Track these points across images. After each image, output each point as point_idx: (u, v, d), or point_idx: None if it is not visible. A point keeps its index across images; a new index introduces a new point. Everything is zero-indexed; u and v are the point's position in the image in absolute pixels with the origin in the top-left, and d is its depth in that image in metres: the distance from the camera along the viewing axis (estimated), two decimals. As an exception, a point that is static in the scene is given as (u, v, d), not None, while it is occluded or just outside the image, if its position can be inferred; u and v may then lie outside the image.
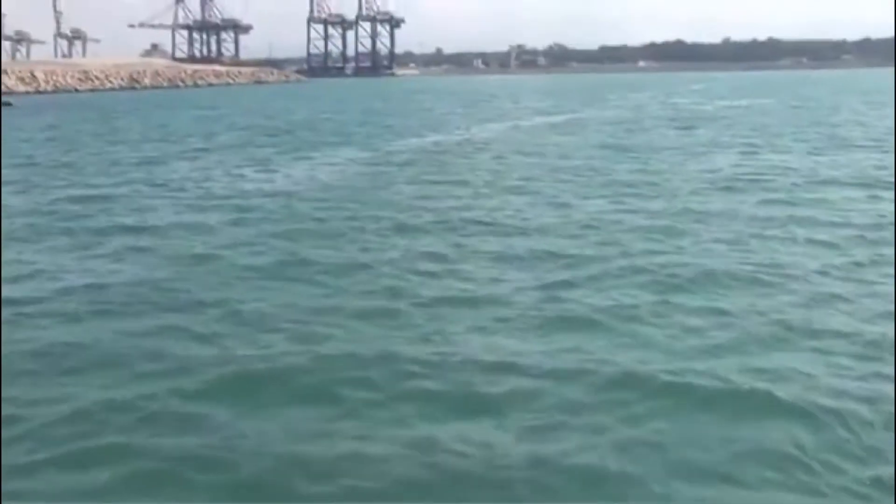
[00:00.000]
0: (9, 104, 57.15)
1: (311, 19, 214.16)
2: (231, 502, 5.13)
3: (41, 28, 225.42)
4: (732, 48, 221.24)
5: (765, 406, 6.21)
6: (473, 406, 6.35)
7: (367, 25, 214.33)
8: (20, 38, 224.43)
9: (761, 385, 6.55)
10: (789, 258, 10.90)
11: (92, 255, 11.88)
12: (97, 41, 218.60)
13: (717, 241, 12.03)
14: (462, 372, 7.00)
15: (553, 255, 11.26)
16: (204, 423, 6.08)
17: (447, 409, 6.30)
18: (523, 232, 12.98)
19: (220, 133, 35.21)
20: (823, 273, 10.17)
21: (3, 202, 15.95)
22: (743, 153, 24.37)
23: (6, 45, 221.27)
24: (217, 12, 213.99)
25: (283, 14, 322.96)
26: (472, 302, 9.11)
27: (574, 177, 19.57)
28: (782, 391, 6.43)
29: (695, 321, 8.33)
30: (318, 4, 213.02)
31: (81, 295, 9.52)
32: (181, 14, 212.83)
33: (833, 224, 13.17)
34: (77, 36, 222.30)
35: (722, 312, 8.58)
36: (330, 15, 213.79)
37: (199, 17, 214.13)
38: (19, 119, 45.33)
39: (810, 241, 11.92)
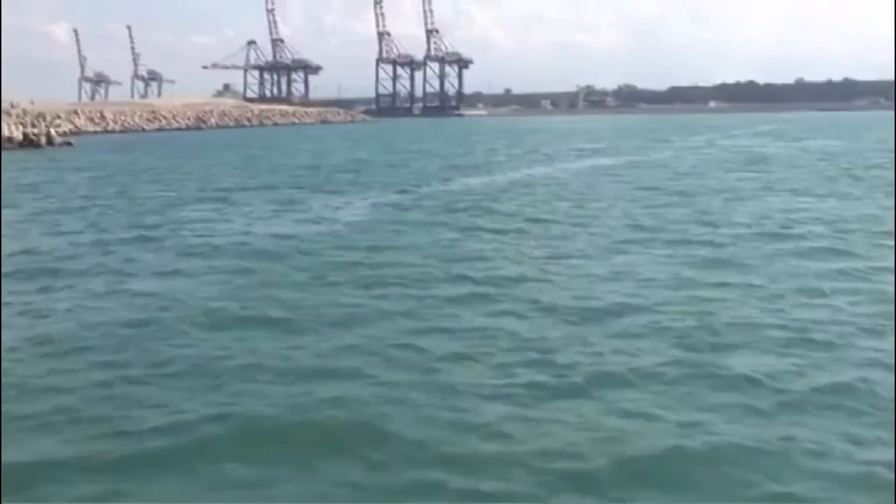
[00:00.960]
0: (69, 143, 57.81)
1: (379, 60, 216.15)
2: None
3: (120, 70, 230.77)
4: (806, 89, 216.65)
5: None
6: None
7: (435, 66, 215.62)
8: (100, 80, 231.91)
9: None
10: None
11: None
12: (172, 82, 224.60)
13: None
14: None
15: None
16: None
17: None
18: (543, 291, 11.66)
19: (257, 174, 34.49)
20: None
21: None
22: (792, 197, 22.75)
23: (86, 86, 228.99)
24: (288, 53, 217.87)
25: (352, 55, 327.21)
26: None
27: (610, 223, 18.15)
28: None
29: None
30: (386, 45, 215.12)
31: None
32: (253, 55, 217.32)
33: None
34: (153, 77, 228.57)
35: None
36: (399, 56, 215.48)
37: (270, 58, 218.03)
38: (67, 158, 45.60)
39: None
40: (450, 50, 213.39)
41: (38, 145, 54.25)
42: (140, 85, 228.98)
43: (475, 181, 30.28)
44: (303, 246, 15.53)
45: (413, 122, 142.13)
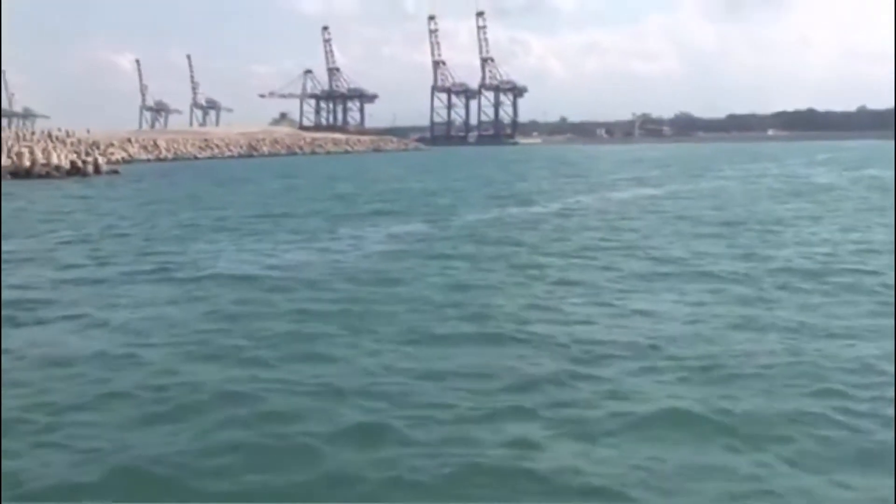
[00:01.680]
0: (115, 172, 58.24)
1: (435, 88, 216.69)
2: None
3: (181, 99, 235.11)
4: (868, 116, 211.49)
5: None
6: None
7: (490, 94, 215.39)
8: (159, 109, 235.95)
9: None
10: None
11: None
12: (230, 110, 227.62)
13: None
14: None
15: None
16: None
17: None
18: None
19: (287, 203, 34.00)
20: None
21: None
22: (837, 231, 21.48)
23: (147, 114, 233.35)
24: (344, 82, 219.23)
25: (408, 83, 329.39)
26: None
27: (637, 254, 17.10)
28: None
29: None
30: (441, 74, 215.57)
31: None
32: (309, 84, 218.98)
33: None
34: (211, 106, 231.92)
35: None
36: (454, 84, 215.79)
37: (326, 86, 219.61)
38: (108, 186, 45.76)
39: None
40: (505, 78, 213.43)
41: (84, 173, 54.61)
42: (199, 113, 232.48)
43: (513, 210, 29.48)
44: (282, 282, 14.69)
45: (465, 151, 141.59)
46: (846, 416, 7.48)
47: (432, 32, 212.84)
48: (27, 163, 52.64)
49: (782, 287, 13.61)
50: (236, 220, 26.51)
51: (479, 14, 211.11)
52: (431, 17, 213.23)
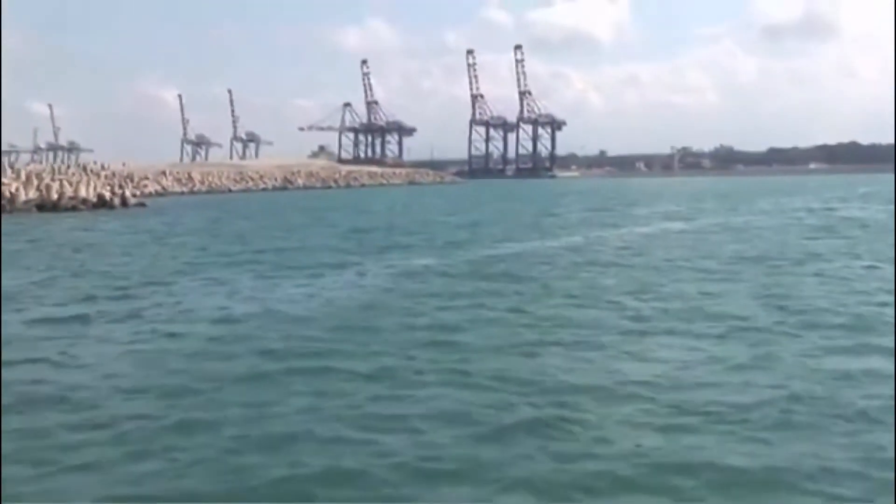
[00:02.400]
0: (142, 205, 58.32)
1: (473, 121, 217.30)
2: None
3: (221, 132, 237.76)
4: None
5: None
6: None
7: (528, 128, 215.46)
8: (200, 142, 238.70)
9: None
10: None
11: None
12: (270, 143, 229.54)
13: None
14: None
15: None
16: None
17: None
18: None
19: (302, 237, 33.38)
20: None
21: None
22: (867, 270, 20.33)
23: (188, 147, 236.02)
24: (382, 115, 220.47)
25: (447, 116, 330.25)
26: None
27: (643, 296, 16.10)
28: None
29: None
30: (480, 107, 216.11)
31: None
32: (348, 117, 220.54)
33: None
34: (251, 139, 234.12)
35: None
36: (492, 117, 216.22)
37: (365, 120, 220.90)
38: (129, 219, 45.57)
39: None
40: (543, 112, 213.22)
41: (111, 206, 54.69)
42: (238, 146, 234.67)
43: (530, 244, 28.70)
44: (240, 330, 13.58)
45: (501, 184, 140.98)
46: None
47: (471, 66, 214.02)
48: (55, 195, 52.87)
49: (785, 332, 12.60)
50: (237, 256, 25.73)
51: (517, 47, 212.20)
52: (470, 51, 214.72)
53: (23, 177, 57.35)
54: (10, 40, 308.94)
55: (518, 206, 60.03)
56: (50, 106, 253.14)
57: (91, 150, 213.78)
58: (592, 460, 7.31)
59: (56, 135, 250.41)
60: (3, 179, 53.76)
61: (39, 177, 58.63)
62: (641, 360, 11.00)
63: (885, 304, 14.86)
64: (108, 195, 56.09)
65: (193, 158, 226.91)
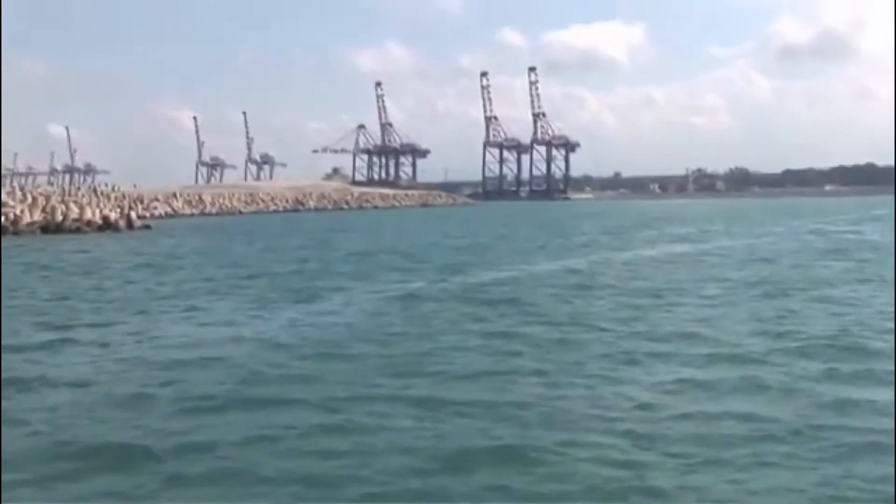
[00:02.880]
0: (147, 227, 58.02)
1: (486, 143, 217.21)
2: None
3: (236, 154, 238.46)
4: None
5: None
6: None
7: (542, 149, 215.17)
8: (215, 164, 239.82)
9: None
10: None
11: None
12: (284, 165, 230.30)
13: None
14: None
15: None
16: None
17: None
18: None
19: (296, 262, 32.89)
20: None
21: None
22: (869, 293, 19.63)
23: (203, 169, 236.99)
24: (396, 137, 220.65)
25: (461, 138, 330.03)
26: None
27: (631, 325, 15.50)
28: None
29: None
30: (493, 129, 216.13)
31: None
32: (362, 139, 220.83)
33: None
34: (266, 161, 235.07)
35: None
36: (505, 139, 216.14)
37: (379, 142, 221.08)
38: (131, 241, 45.31)
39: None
40: (558, 133, 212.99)
41: (116, 228, 54.39)
42: (253, 168, 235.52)
43: (531, 268, 28.31)
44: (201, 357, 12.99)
45: (513, 206, 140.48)
46: None
47: (484, 88, 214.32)
48: (59, 217, 52.68)
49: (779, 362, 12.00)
50: (224, 281, 25.05)
51: (531, 69, 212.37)
52: (483, 74, 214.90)
53: (29, 199, 57.27)
54: (31, 64, 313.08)
55: (525, 229, 59.49)
56: (66, 128, 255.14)
57: (107, 172, 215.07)
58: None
59: (72, 157, 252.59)
60: (9, 201, 53.67)
61: (47, 199, 58.54)
62: (618, 389, 10.46)
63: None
64: (112, 217, 55.74)
65: (208, 180, 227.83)
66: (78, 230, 51.83)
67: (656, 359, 12.37)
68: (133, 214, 59.78)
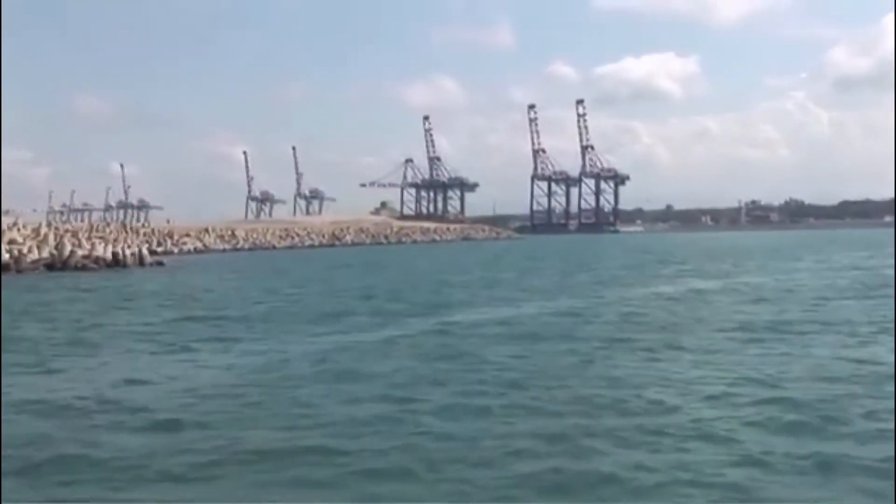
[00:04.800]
0: (160, 263, 56.51)
1: (535, 176, 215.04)
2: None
3: (287, 189, 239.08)
4: None
5: None
6: None
7: (590, 182, 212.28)
8: (264, 199, 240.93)
9: None
10: None
11: None
12: (333, 200, 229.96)
13: None
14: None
15: None
16: None
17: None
18: None
19: (297, 299, 30.72)
20: None
21: None
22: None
23: (252, 204, 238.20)
24: (445, 171, 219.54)
25: (510, 172, 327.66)
26: None
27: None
28: None
29: None
30: (542, 162, 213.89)
31: None
32: (410, 173, 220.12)
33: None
34: (315, 195, 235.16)
35: None
36: (554, 172, 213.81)
37: (427, 176, 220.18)
38: (133, 280, 43.66)
39: None
40: (607, 166, 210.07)
41: (124, 265, 52.97)
42: (302, 203, 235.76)
43: (540, 305, 26.37)
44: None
45: (559, 240, 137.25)
46: None
47: (532, 121, 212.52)
48: (66, 254, 51.41)
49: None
50: (188, 325, 22.98)
51: (579, 102, 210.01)
52: (531, 106, 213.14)
53: (41, 234, 56.36)
54: (88, 101, 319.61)
55: (555, 263, 57.06)
56: (121, 165, 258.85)
57: (161, 208, 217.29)
58: None
59: (126, 193, 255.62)
60: (17, 237, 52.66)
61: (59, 235, 57.56)
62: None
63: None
64: (122, 254, 54.31)
65: (258, 215, 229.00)
66: (84, 268, 50.41)
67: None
68: (144, 251, 58.20)
